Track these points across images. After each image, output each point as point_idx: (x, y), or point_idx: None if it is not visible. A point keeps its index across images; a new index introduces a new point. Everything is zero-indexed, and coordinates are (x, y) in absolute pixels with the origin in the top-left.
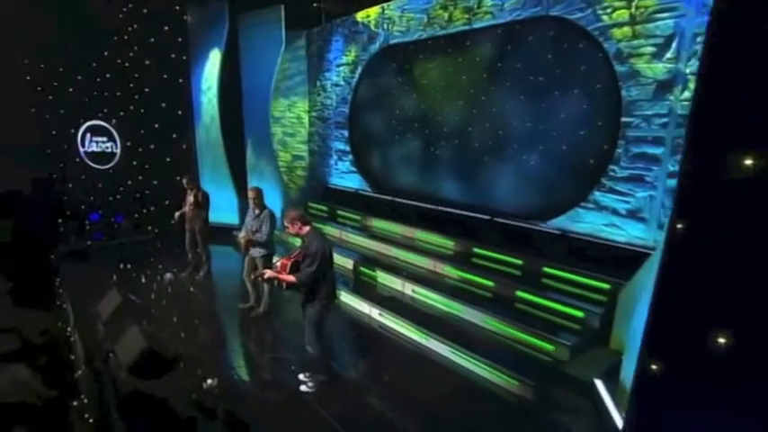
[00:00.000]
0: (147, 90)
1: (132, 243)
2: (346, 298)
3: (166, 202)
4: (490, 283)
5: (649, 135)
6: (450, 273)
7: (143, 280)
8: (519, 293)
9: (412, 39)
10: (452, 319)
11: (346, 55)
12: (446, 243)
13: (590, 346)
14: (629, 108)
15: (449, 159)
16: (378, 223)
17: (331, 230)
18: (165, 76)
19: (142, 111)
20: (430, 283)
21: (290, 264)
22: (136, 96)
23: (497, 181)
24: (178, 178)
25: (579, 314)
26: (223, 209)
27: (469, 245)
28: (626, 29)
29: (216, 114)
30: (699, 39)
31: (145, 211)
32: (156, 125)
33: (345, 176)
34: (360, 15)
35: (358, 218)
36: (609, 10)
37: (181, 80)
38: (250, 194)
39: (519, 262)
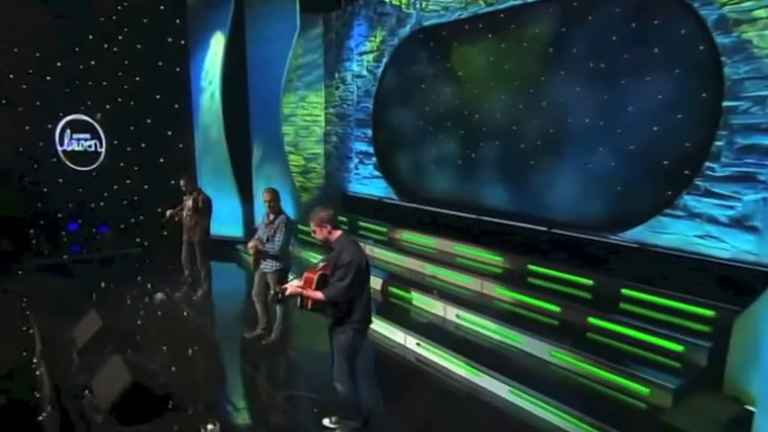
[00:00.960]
0: (138, 80)
1: (117, 257)
2: (375, 324)
3: (159, 210)
4: (555, 308)
5: (765, 122)
6: (502, 294)
7: (128, 301)
8: (592, 320)
9: (450, 19)
10: (510, 351)
11: (371, 41)
12: (494, 259)
13: (697, 390)
14: (735, 89)
15: (494, 160)
16: (408, 236)
17: None
18: (159, 64)
19: (132, 104)
20: (477, 307)
21: (316, 277)
22: (125, 87)
23: (555, 185)
24: (172, 182)
25: (678, 348)
26: (225, 219)
27: (523, 261)
28: None
29: (218, 109)
30: None
31: (133, 220)
32: (149, 120)
33: (368, 182)
34: None
35: (384, 230)
36: None
37: (178, 69)
38: (265, 196)
39: (589, 282)
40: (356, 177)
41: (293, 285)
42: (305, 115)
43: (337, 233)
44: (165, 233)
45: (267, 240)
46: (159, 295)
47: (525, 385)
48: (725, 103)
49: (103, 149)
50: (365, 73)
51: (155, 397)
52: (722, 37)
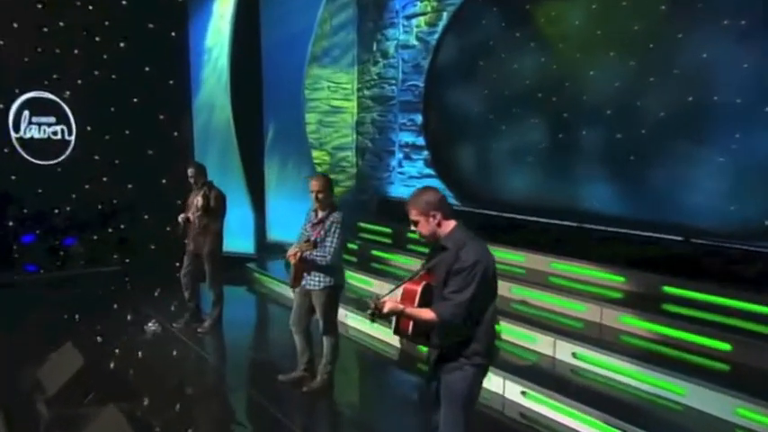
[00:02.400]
0: (122, 46)
1: (87, 278)
2: None
3: (145, 217)
4: (725, 346)
5: None
6: (635, 325)
7: (105, 334)
8: None
9: None
10: (667, 408)
11: (423, 1)
12: (610, 278)
13: None
14: None
15: (598, 152)
16: None
17: (401, 262)
18: (150, 26)
19: (114, 78)
20: (600, 343)
21: (420, 289)
22: (104, 56)
23: (690, 182)
24: (164, 181)
25: None
26: (232, 230)
27: (656, 281)
28: None
29: (226, 88)
30: None
31: (110, 230)
32: (135, 100)
33: (416, 183)
34: None
35: None
36: None
37: (174, 34)
38: (313, 186)
39: (759, 309)
40: (400, 177)
41: (392, 302)
42: (332, 99)
43: (450, 224)
44: (178, 229)
45: (315, 246)
46: (151, 326)
47: None
48: None
49: (73, 137)
50: (414, 42)
51: None
52: None
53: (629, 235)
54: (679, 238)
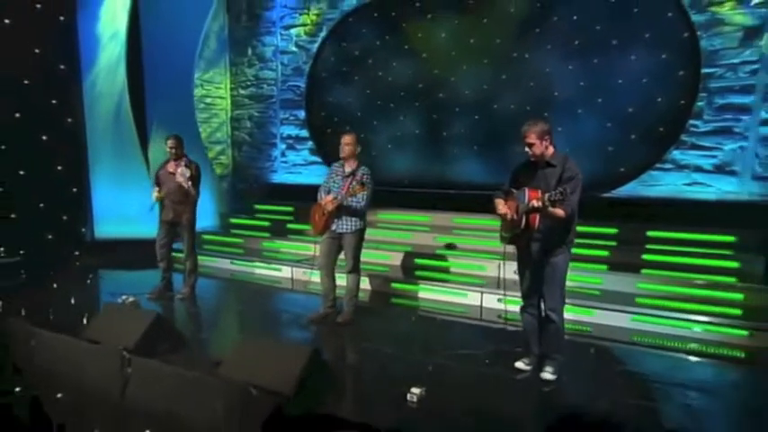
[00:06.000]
0: (7, 22)
1: None
2: None
3: (41, 206)
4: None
5: (737, 84)
6: None
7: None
8: None
9: None
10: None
11: (302, 14)
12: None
13: None
14: (712, 58)
15: (463, 137)
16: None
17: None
18: (38, 6)
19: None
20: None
21: (539, 195)
22: None
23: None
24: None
25: None
26: (136, 216)
27: None
28: None
29: (120, 77)
30: None
31: None
32: (26, 81)
33: (302, 170)
34: None
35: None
36: None
37: (62, 18)
38: (346, 139)
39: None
40: (283, 166)
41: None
42: (204, 97)
43: (552, 149)
44: (153, 203)
45: (363, 186)
46: (126, 298)
47: None
48: (703, 70)
49: None
50: (294, 48)
51: None
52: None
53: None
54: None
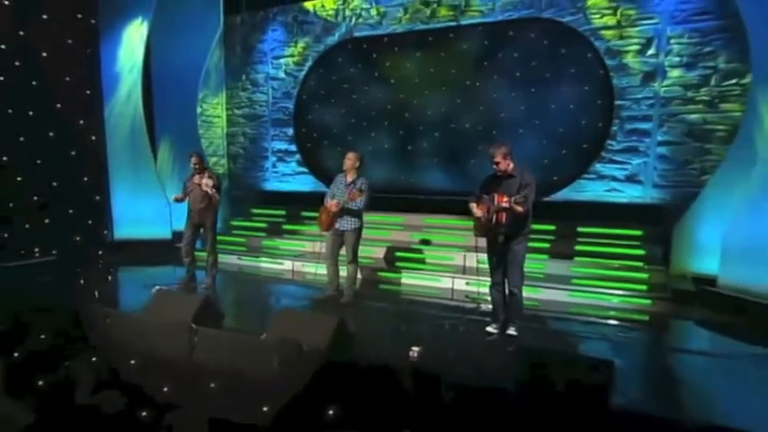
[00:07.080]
0: (45, 55)
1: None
2: None
3: (70, 212)
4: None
5: (639, 114)
6: None
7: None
8: None
9: (385, 32)
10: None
11: (290, 46)
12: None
13: None
14: (621, 93)
15: (429, 152)
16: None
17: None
18: (69, 42)
19: (34, 84)
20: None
21: (506, 199)
22: (16, 63)
23: (486, 166)
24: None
25: None
26: (151, 220)
27: None
28: (614, 31)
29: (135, 102)
30: (672, 41)
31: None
32: (58, 105)
33: (290, 179)
34: (309, 5)
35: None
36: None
37: (89, 50)
38: (349, 156)
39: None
40: (275, 175)
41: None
42: (203, 116)
43: (512, 164)
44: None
45: (361, 193)
46: (160, 288)
47: None
48: (616, 102)
49: None
50: (283, 75)
51: None
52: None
53: (453, 200)
54: None
